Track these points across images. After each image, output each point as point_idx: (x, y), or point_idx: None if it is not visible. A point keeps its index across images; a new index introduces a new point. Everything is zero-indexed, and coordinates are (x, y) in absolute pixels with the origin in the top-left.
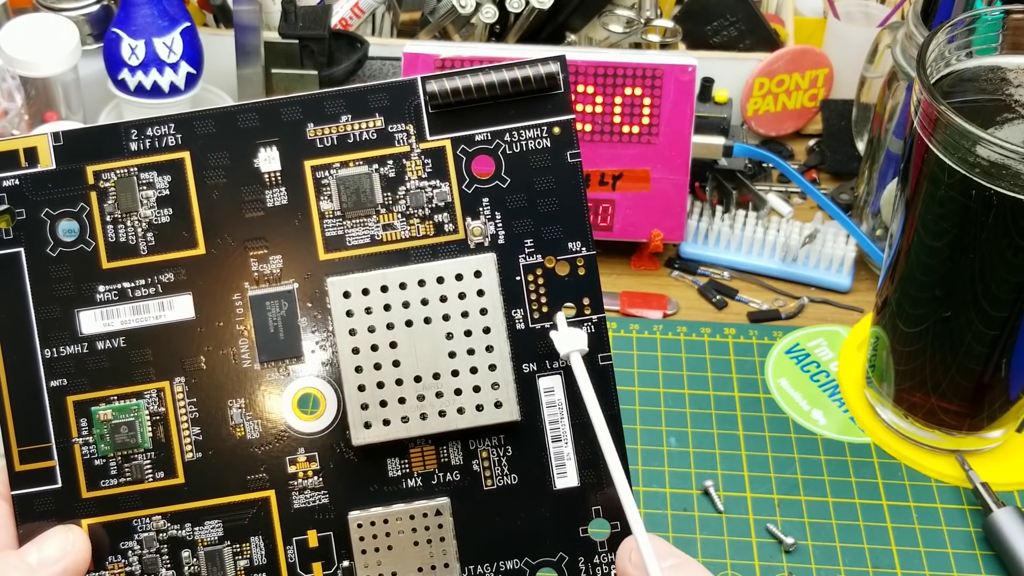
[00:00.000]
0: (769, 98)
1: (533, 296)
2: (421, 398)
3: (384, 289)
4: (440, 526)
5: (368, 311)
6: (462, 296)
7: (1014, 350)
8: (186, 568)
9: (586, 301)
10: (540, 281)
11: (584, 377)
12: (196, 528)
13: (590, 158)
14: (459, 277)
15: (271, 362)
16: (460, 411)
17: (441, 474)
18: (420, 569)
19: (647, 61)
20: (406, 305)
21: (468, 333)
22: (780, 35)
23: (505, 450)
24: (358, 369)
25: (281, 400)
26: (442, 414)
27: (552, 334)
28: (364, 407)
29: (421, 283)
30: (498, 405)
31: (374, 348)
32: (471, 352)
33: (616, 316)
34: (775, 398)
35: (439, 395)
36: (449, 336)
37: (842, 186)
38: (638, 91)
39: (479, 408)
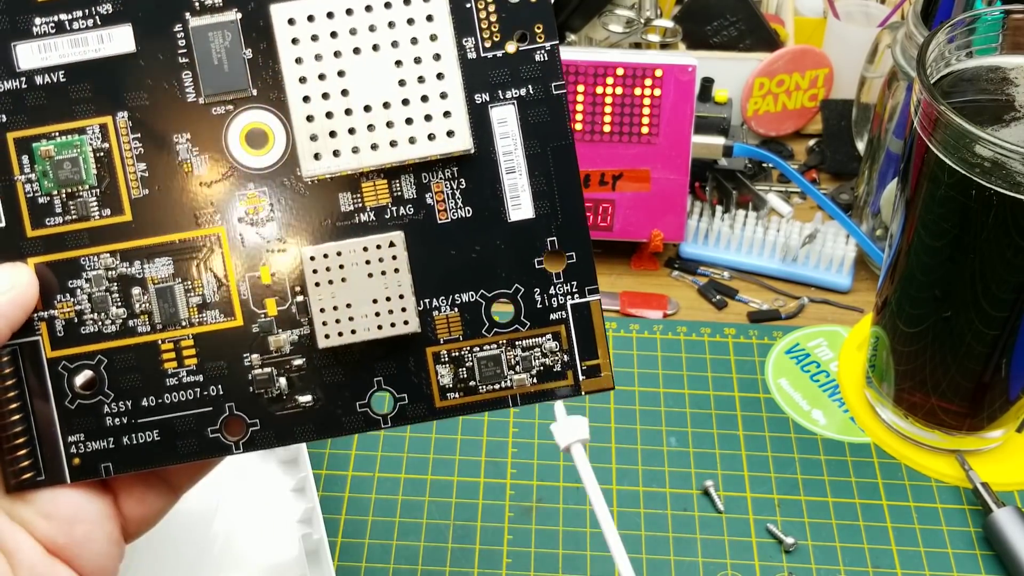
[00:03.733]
0: (769, 98)
1: (484, 24)
2: (371, 128)
3: (330, 15)
4: (394, 257)
5: (315, 39)
6: (411, 22)
7: (1014, 350)
8: (136, 306)
9: (539, 28)
10: (491, 8)
11: (587, 470)
12: (146, 265)
13: (590, 158)
14: (407, 1)
15: (216, 95)
16: (412, 141)
17: (394, 208)
18: (375, 301)
19: (647, 61)
20: (353, 32)
21: (418, 60)
22: (780, 35)
23: (459, 183)
24: (306, 99)
25: (228, 134)
26: (393, 144)
27: (552, 427)
28: (313, 138)
29: (368, 8)
30: (450, 134)
31: (321, 77)
32: (421, 80)
33: (616, 316)
34: (775, 398)
35: (390, 125)
36: (399, 64)
37: (842, 186)
38: (638, 91)
39: (431, 137)
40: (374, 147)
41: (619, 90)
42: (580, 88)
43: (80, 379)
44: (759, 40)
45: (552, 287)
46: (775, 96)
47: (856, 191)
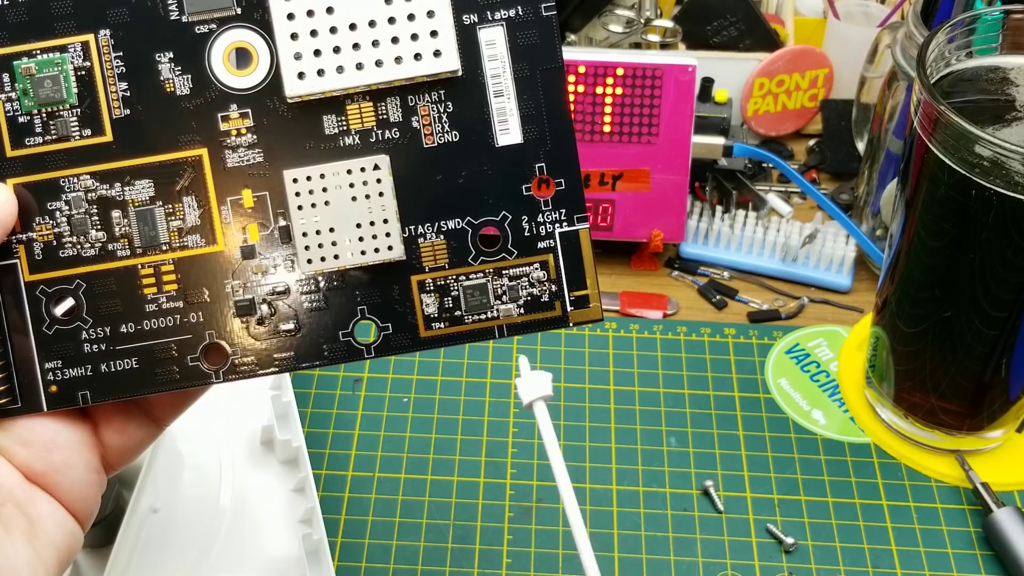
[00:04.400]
0: (769, 98)
1: None
2: (356, 47)
3: None
4: (379, 181)
5: None
6: None
7: (1014, 350)
8: (116, 229)
9: None
10: None
11: (548, 428)
12: (126, 188)
13: (590, 158)
14: None
15: (199, 13)
16: (398, 61)
17: (379, 131)
18: (359, 226)
19: (647, 61)
20: None
21: None
22: (780, 35)
23: (445, 106)
24: (290, 16)
25: (211, 54)
26: (379, 64)
27: (516, 381)
28: (297, 57)
29: None
30: (437, 54)
31: None
32: None
33: (616, 316)
34: (775, 398)
35: (375, 44)
36: None
37: (842, 186)
38: (638, 91)
39: (417, 57)
40: (359, 67)
41: (619, 90)
42: (580, 88)
43: (62, 307)
44: (759, 40)
45: (540, 215)
46: (775, 96)
47: (856, 191)
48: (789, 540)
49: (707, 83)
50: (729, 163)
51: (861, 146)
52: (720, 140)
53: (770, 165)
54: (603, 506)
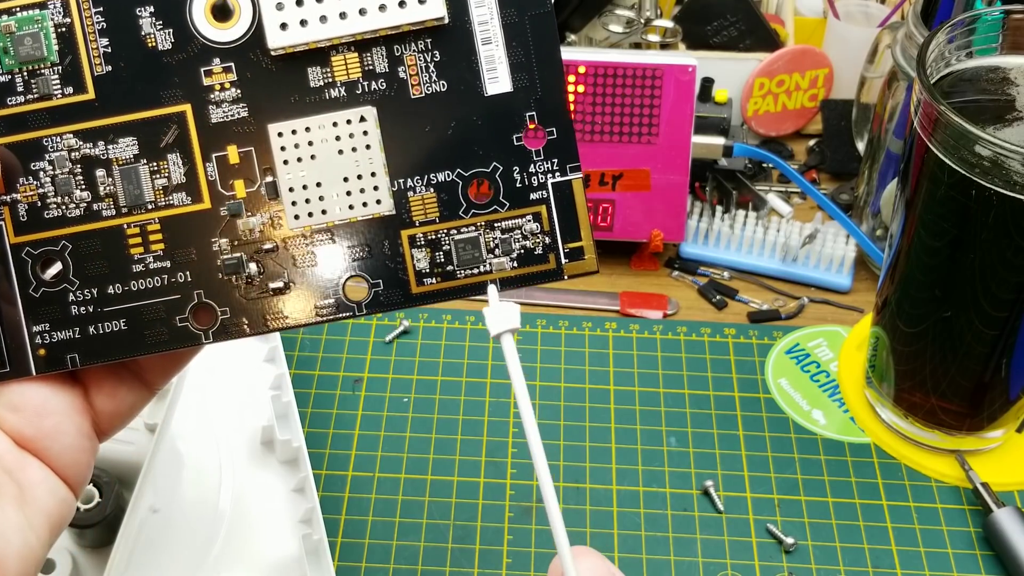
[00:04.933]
0: (769, 98)
1: None
2: None
3: None
4: (365, 133)
5: None
6: None
7: (1014, 350)
8: (101, 188)
9: None
10: None
11: (515, 361)
12: (110, 146)
13: (590, 158)
14: None
15: None
16: (382, 8)
17: (365, 83)
18: (346, 179)
19: (647, 61)
20: None
21: None
22: (780, 35)
23: (432, 55)
24: None
25: (192, 6)
26: (363, 13)
27: (484, 310)
28: (279, 7)
29: None
30: (422, 1)
31: None
32: None
33: (616, 316)
34: (775, 398)
35: None
36: None
37: (842, 186)
38: (638, 91)
39: (402, 5)
40: (342, 16)
41: (619, 90)
42: (580, 88)
43: (50, 272)
44: (759, 40)
45: (532, 165)
46: (775, 96)
47: (856, 191)
48: (789, 540)
49: (707, 83)
50: (729, 163)
51: (861, 146)
52: (720, 140)
53: (770, 165)
54: (603, 506)
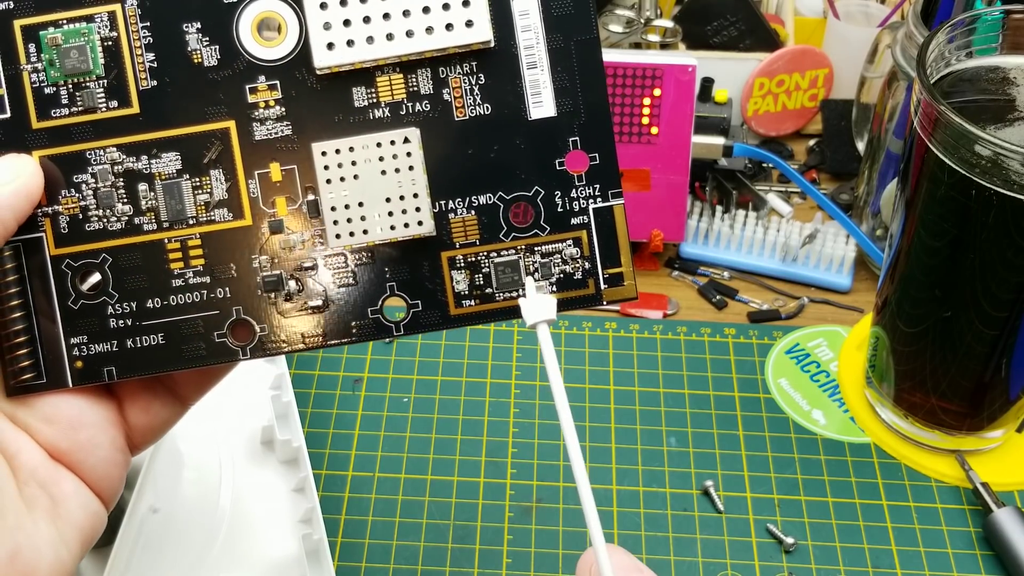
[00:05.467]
0: (769, 98)
1: None
2: (387, 17)
3: None
4: (409, 154)
5: None
6: None
7: (1014, 350)
8: (143, 202)
9: None
10: None
11: (550, 352)
12: (153, 160)
13: None
14: None
15: None
16: (429, 31)
17: (410, 104)
18: (388, 200)
19: (647, 61)
20: None
21: None
22: (780, 35)
23: (477, 78)
24: None
25: (239, 24)
26: (409, 35)
27: (520, 301)
28: (327, 27)
29: None
30: (469, 24)
31: None
32: None
33: (616, 316)
34: (775, 398)
35: (406, 14)
36: None
37: (842, 186)
38: (638, 91)
39: (449, 28)
40: (389, 37)
41: (619, 90)
42: None
43: (88, 282)
44: (759, 40)
45: (574, 190)
46: (775, 96)
47: (856, 191)
48: (789, 540)
49: (707, 83)
50: (729, 163)
51: (861, 146)
52: (720, 140)
53: (770, 165)
54: (603, 506)
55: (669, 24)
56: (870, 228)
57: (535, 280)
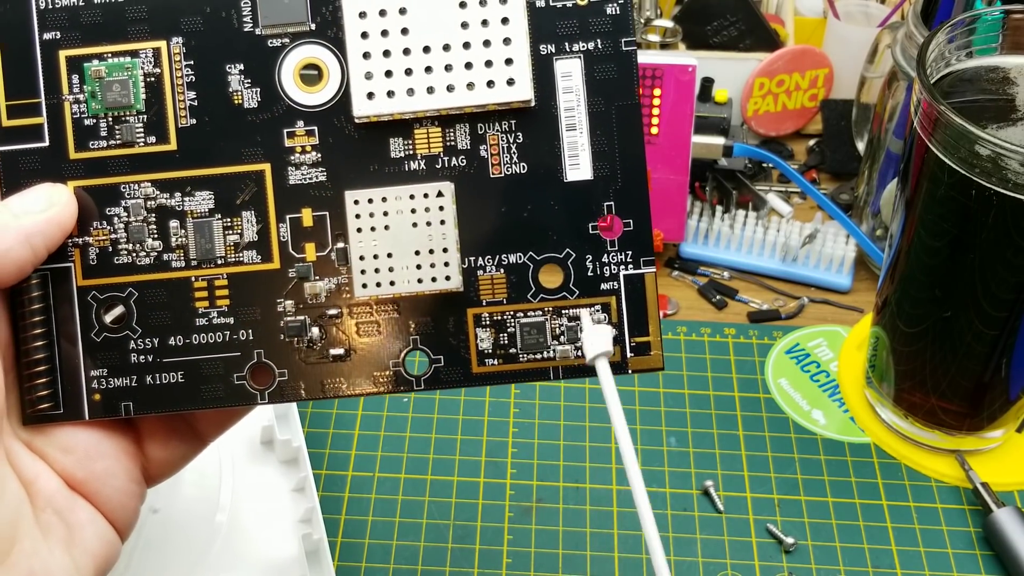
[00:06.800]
0: (769, 98)
1: None
2: (429, 70)
3: None
4: (441, 208)
5: None
6: None
7: (1014, 350)
8: (173, 239)
9: None
10: None
11: (610, 385)
12: (186, 198)
13: None
14: None
15: (273, 27)
16: (470, 87)
17: (446, 158)
18: (417, 253)
19: (647, 61)
20: None
21: (483, 2)
22: (780, 35)
23: (515, 136)
24: (364, 35)
25: (282, 69)
26: (450, 89)
27: (582, 336)
28: (368, 76)
29: None
30: (511, 83)
31: (382, 14)
32: (485, 23)
33: None
34: (775, 398)
35: (448, 68)
36: (463, 4)
37: (842, 186)
38: (638, 91)
39: (490, 85)
40: (430, 91)
41: None
42: None
43: (112, 314)
44: (759, 40)
45: (605, 255)
46: (775, 96)
47: (856, 191)
48: (789, 540)
49: (707, 83)
50: (729, 163)
51: (861, 146)
52: (720, 140)
53: (770, 165)
54: (603, 506)
55: (669, 24)
56: (870, 228)
57: (588, 311)
